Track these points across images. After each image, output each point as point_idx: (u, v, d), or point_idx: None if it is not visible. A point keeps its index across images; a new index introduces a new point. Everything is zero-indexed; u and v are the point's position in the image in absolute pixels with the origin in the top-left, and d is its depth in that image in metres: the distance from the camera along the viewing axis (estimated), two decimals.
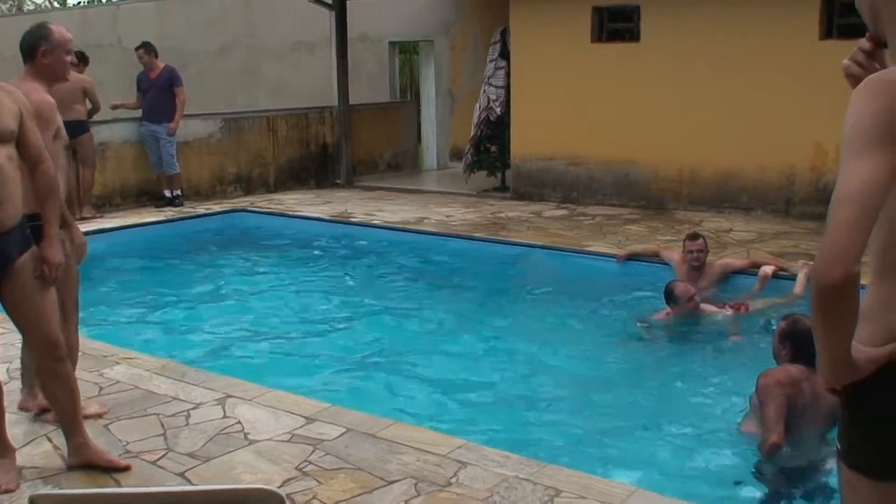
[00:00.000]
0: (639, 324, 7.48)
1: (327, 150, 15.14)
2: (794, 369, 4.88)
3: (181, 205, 12.68)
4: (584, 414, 5.73)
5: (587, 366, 6.68)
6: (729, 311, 7.50)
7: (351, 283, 9.38)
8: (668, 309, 7.43)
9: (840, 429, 2.19)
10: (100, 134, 12.16)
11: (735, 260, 8.59)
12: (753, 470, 4.70)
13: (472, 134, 13.66)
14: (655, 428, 5.45)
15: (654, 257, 8.87)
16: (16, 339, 5.14)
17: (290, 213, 12.25)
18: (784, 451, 4.65)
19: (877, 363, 2.03)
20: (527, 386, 6.33)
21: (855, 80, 2.14)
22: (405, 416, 5.29)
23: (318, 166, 15.03)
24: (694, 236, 8.32)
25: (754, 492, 4.56)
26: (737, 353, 6.84)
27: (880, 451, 2.09)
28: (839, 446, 2.17)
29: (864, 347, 2.03)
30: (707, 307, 7.54)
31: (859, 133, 1.92)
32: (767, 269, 8.15)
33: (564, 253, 9.58)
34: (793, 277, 7.96)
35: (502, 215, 11.77)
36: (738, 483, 4.62)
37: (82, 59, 11.74)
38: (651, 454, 5.07)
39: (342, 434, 4.70)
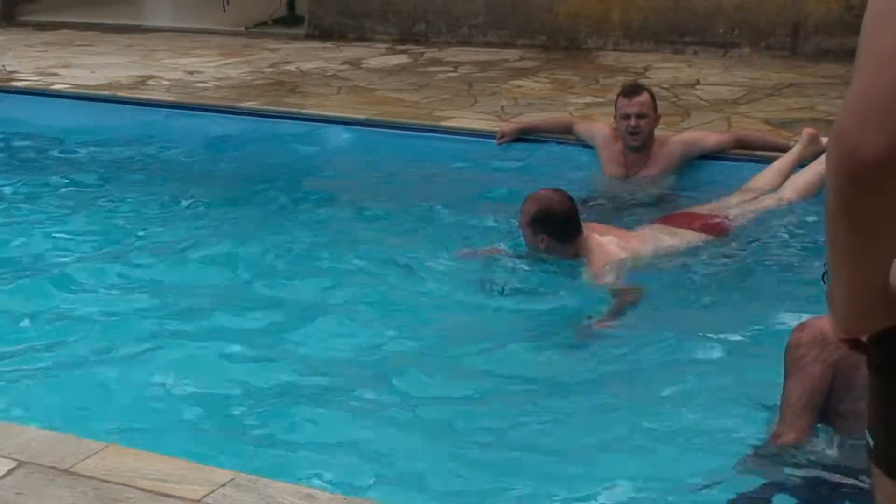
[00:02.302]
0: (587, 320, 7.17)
1: None
2: None
3: None
4: (443, 415, 5.86)
5: (441, 332, 6.84)
6: (699, 235, 7.59)
7: (21, 199, 9.34)
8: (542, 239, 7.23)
9: (870, 412, 2.29)
10: None
11: (706, 134, 8.84)
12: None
13: None
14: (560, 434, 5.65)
15: (563, 135, 9.07)
16: None
17: None
18: (805, 455, 4.85)
19: None
20: (338, 366, 6.40)
21: None
22: (128, 433, 5.26)
23: None
24: (633, 90, 8.45)
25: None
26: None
27: None
28: (870, 441, 2.28)
29: None
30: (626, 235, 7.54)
31: None
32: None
33: (405, 132, 9.73)
34: None
35: (292, 68, 11.88)
36: (704, 488, 4.87)
37: None
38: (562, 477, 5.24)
39: (12, 470, 4.66)
